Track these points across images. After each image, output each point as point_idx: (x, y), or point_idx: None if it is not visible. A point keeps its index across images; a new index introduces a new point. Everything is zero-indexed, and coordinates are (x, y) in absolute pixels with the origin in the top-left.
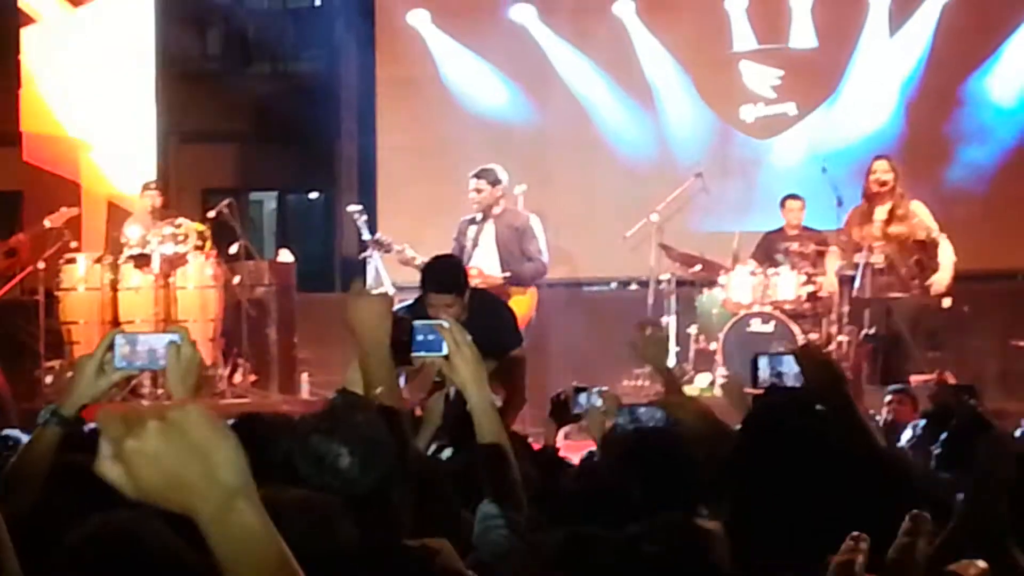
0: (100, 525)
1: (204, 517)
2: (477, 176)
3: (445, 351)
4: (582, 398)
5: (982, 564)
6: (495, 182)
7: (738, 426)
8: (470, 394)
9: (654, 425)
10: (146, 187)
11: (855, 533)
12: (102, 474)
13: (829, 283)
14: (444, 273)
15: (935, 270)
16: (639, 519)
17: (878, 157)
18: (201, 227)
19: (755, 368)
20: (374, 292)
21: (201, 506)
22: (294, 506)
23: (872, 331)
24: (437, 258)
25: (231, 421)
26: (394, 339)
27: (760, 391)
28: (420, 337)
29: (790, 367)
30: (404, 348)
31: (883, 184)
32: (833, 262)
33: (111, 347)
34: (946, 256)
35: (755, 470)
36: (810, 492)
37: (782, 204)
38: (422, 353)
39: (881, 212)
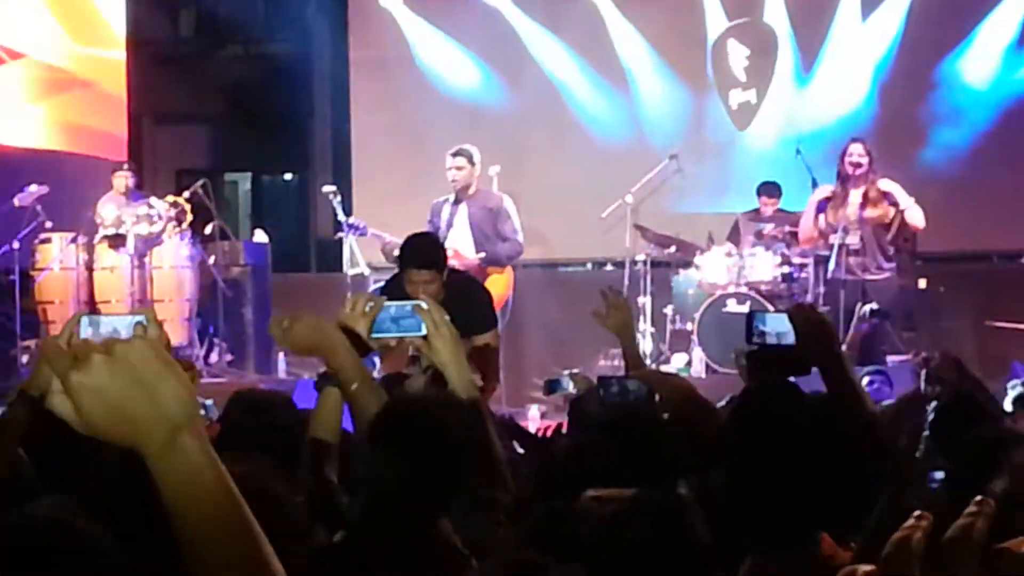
0: (20, 516)
1: (149, 451)
2: (456, 154)
3: (424, 331)
4: (555, 386)
5: None
6: (472, 160)
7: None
8: (450, 374)
9: (633, 399)
10: (118, 168)
11: (919, 512)
12: (52, 408)
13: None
14: (423, 249)
15: (908, 251)
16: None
17: (854, 140)
18: (179, 199)
19: (750, 325)
20: (288, 322)
21: (146, 440)
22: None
23: (875, 307)
24: (416, 234)
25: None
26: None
27: (754, 347)
28: (398, 317)
29: (784, 326)
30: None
31: (858, 167)
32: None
33: (77, 328)
34: (913, 214)
35: (749, 442)
36: (802, 464)
37: (758, 191)
38: (401, 333)
39: (856, 195)
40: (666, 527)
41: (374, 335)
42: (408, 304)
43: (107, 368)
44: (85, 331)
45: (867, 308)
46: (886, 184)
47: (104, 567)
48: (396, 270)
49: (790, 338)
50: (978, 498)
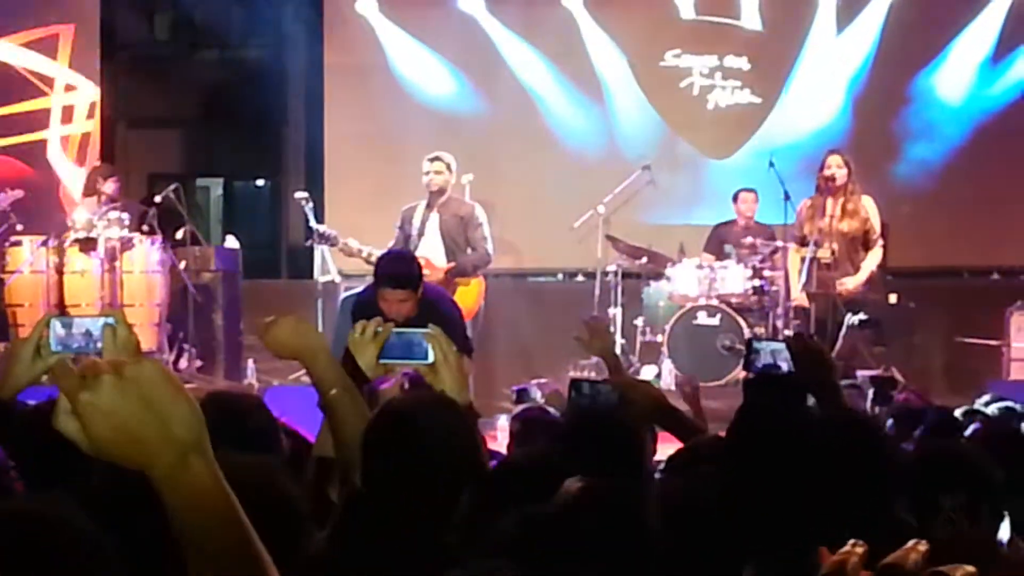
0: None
1: (157, 473)
2: (434, 159)
3: (431, 359)
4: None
5: (970, 568)
6: (451, 168)
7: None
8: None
9: (603, 402)
10: (102, 173)
11: (854, 540)
12: (60, 428)
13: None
14: (400, 269)
15: (880, 266)
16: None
17: (832, 151)
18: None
19: (749, 353)
20: (273, 319)
21: (155, 462)
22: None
23: (864, 317)
24: (392, 253)
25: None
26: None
27: (752, 376)
28: (407, 343)
29: (782, 354)
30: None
31: (833, 179)
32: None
33: (47, 331)
34: (871, 261)
35: (750, 451)
36: (804, 475)
37: (735, 197)
38: (408, 360)
39: (831, 206)
40: (617, 518)
41: (382, 360)
42: (417, 331)
43: (117, 389)
44: (56, 332)
45: (856, 318)
46: (868, 202)
47: (96, 564)
48: (366, 277)
49: (787, 367)
50: (916, 541)
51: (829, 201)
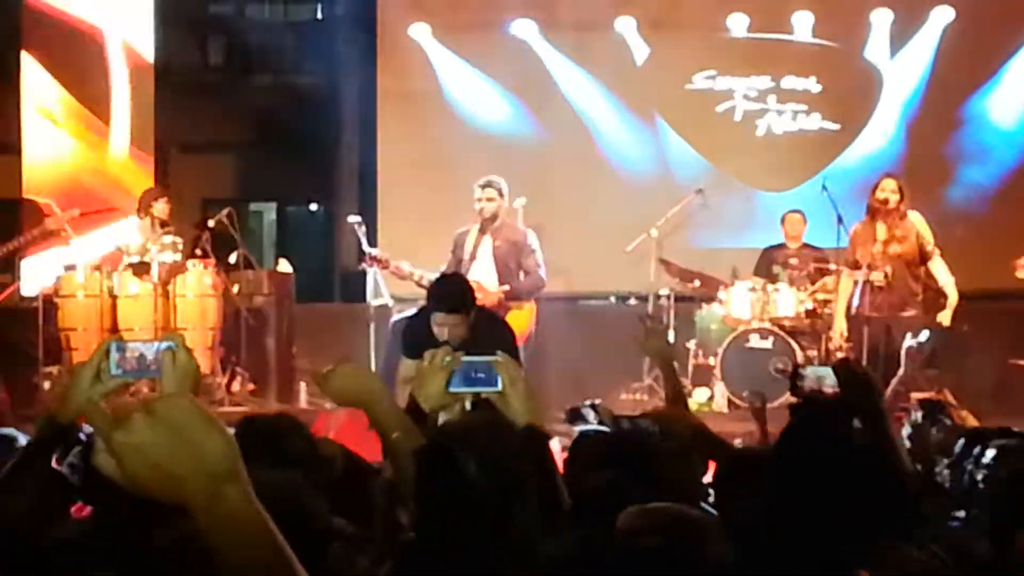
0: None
1: (194, 506)
2: (486, 186)
3: (500, 387)
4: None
5: None
6: (500, 192)
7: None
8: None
9: (629, 429)
10: (154, 195)
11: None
12: (99, 467)
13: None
14: (452, 293)
15: (934, 288)
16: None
17: (887, 175)
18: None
19: (795, 378)
20: (331, 368)
21: (191, 495)
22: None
23: (923, 339)
24: (444, 277)
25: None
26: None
27: (799, 400)
28: (476, 371)
29: (829, 379)
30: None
31: (887, 203)
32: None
33: (107, 355)
34: (943, 275)
35: (794, 476)
36: (838, 504)
37: (783, 219)
38: (477, 388)
39: (881, 231)
40: (681, 545)
41: (451, 389)
42: (485, 359)
43: (148, 426)
44: (116, 357)
45: (916, 341)
46: (915, 218)
47: None
48: (419, 300)
49: (833, 391)
50: None
51: (880, 225)
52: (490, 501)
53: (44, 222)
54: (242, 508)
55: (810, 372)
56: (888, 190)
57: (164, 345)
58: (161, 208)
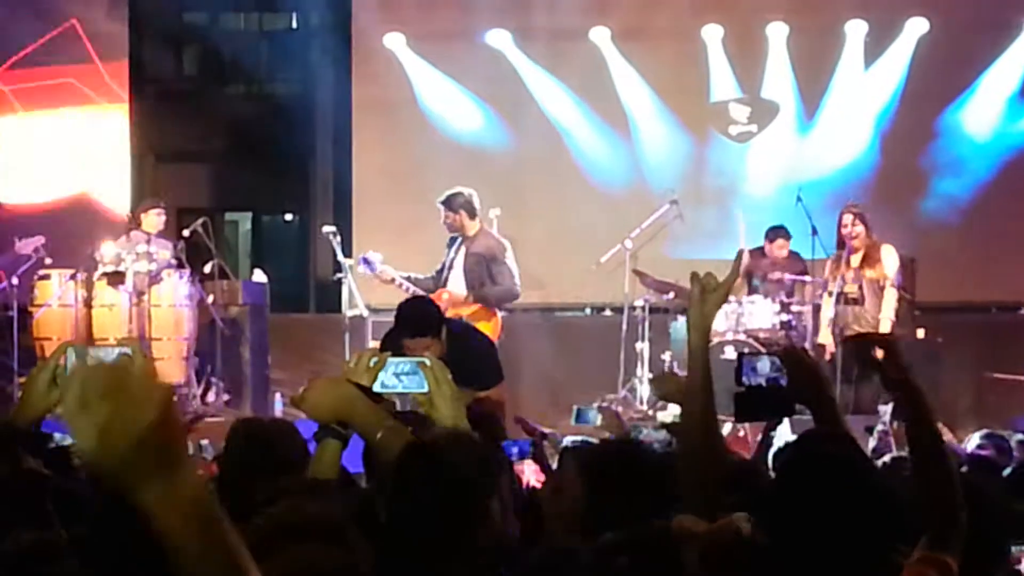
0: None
1: (144, 494)
2: (443, 203)
3: (426, 388)
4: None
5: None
6: (461, 207)
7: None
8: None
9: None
10: (153, 206)
11: None
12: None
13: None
14: (416, 318)
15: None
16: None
17: (845, 209)
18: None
19: (740, 367)
20: (304, 388)
21: (142, 483)
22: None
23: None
24: (407, 302)
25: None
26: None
27: (743, 389)
28: (402, 373)
29: (775, 369)
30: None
31: (853, 236)
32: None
33: (64, 359)
34: (886, 311)
35: (797, 495)
36: (850, 520)
37: (770, 239)
38: (404, 389)
39: (855, 259)
40: (657, 562)
41: (378, 389)
42: (411, 360)
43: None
44: (72, 361)
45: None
46: (887, 251)
47: None
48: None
49: (780, 380)
50: None
51: (853, 257)
52: (453, 511)
53: (15, 246)
54: (191, 495)
55: (754, 361)
56: (849, 224)
57: (119, 351)
58: (157, 219)
